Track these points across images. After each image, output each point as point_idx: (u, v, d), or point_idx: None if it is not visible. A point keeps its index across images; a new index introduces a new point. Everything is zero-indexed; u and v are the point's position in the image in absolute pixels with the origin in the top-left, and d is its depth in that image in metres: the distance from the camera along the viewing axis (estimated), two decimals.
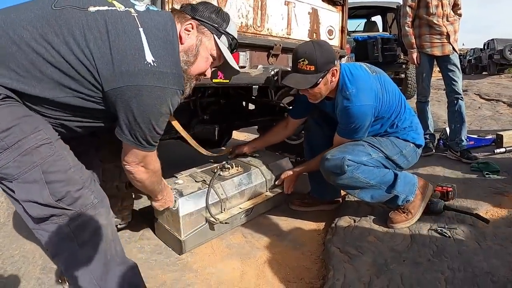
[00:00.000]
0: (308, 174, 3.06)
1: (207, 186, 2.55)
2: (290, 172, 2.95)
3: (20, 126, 1.33)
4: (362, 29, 9.53)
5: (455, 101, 3.96)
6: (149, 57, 1.43)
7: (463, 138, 4.02)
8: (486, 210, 2.76)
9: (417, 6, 3.98)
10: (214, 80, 2.22)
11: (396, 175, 2.55)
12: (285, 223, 2.88)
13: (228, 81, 2.30)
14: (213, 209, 2.52)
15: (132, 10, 1.52)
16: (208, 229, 2.53)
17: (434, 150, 4.27)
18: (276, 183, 3.02)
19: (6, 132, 1.31)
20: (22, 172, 1.34)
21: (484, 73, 25.62)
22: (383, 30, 8.98)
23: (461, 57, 33.00)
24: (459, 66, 3.98)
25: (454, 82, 3.95)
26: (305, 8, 2.91)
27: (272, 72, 2.70)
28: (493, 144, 4.42)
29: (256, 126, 4.28)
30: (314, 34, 3.00)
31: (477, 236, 2.38)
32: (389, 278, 2.02)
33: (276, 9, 2.71)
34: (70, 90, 1.41)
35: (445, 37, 3.92)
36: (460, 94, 3.97)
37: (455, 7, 4.03)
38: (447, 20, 3.93)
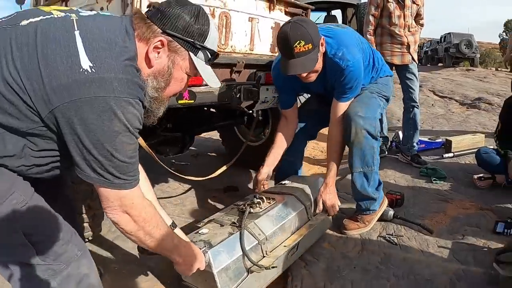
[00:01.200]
0: None
1: (239, 228, 2.14)
2: (327, 190, 2.67)
3: None
4: (322, 23, 9.79)
5: (411, 109, 4.27)
6: (85, 63, 1.21)
7: (414, 144, 4.34)
8: (432, 217, 3.06)
9: (380, 15, 4.20)
10: (179, 102, 2.34)
11: (380, 183, 2.81)
12: None
13: (193, 101, 2.44)
14: (253, 255, 2.08)
15: (73, 15, 1.32)
16: (254, 280, 2.08)
17: (386, 153, 4.57)
18: (318, 211, 2.68)
19: None
20: (2, 237, 1.27)
21: (440, 64, 26.66)
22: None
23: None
24: (417, 75, 4.28)
25: (411, 91, 4.25)
26: (268, 23, 3.07)
27: (235, 90, 2.83)
28: (443, 147, 4.76)
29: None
30: (276, 48, 3.18)
31: (421, 244, 2.67)
32: (341, 284, 2.26)
33: (240, 26, 2.85)
34: (11, 131, 1.23)
35: (405, 47, 4.18)
36: (416, 103, 4.28)
37: (418, 17, 4.30)
38: (409, 31, 4.19)
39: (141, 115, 1.33)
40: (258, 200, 2.39)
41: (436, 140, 4.95)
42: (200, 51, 1.44)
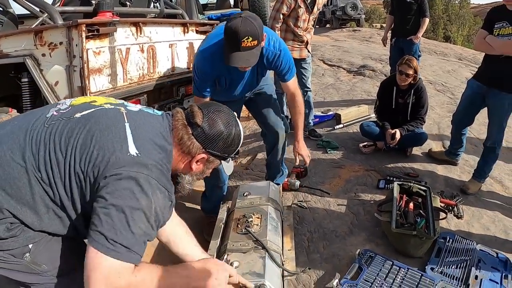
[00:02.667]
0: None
1: (262, 249, 2.40)
2: (300, 145, 3.42)
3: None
4: (214, 3, 10.32)
5: (305, 93, 5.15)
6: (133, 150, 1.45)
7: (310, 121, 5.32)
8: (330, 182, 4.06)
9: (288, 15, 4.80)
10: None
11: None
12: None
13: None
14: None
15: (122, 108, 1.62)
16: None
17: (288, 130, 5.45)
18: (297, 163, 3.51)
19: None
20: None
21: (327, 25, 28.30)
22: (235, 6, 9.86)
23: None
24: (311, 65, 5.17)
25: (305, 78, 5.14)
26: (184, 45, 3.82)
27: (165, 108, 3.59)
28: (334, 118, 5.79)
29: None
30: (192, 63, 3.90)
31: (324, 204, 3.65)
32: None
33: (163, 53, 3.57)
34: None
35: (304, 43, 4.99)
36: (309, 88, 5.21)
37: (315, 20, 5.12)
38: (305, 31, 4.96)
39: (165, 208, 1.51)
40: (249, 219, 2.66)
41: (328, 113, 6.01)
42: (228, 157, 1.81)
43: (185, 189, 1.81)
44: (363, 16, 26.29)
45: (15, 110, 3.22)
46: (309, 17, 4.87)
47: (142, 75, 3.40)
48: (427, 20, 6.41)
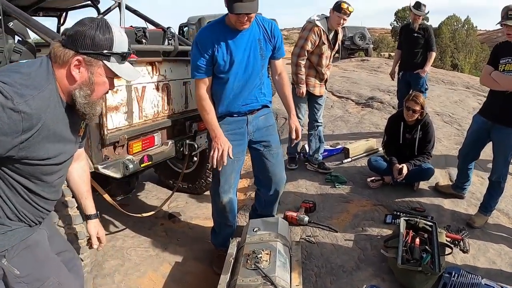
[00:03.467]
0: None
1: (271, 285, 2.55)
2: (294, 118, 3.47)
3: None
4: None
5: (316, 127, 5.35)
6: None
7: (320, 155, 5.45)
8: (338, 216, 4.16)
9: (312, 52, 4.93)
10: (142, 165, 3.26)
11: None
12: None
13: (151, 162, 3.35)
14: None
15: None
16: None
17: (297, 165, 5.58)
18: (294, 137, 3.46)
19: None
20: None
21: (336, 55, 28.50)
22: None
23: None
24: (324, 101, 5.37)
25: (317, 113, 5.31)
26: None
27: (179, 145, 3.69)
28: (343, 152, 5.92)
29: None
30: None
31: (332, 239, 3.75)
32: None
33: (177, 91, 3.73)
34: None
35: (324, 80, 5.17)
36: (321, 123, 5.37)
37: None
38: (326, 67, 5.12)
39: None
40: (259, 255, 2.78)
41: (337, 147, 6.13)
42: (111, 57, 1.73)
43: (85, 107, 1.76)
44: (371, 46, 26.65)
45: None
46: (331, 54, 5.06)
47: (157, 112, 3.55)
48: (434, 54, 6.57)
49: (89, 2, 5.45)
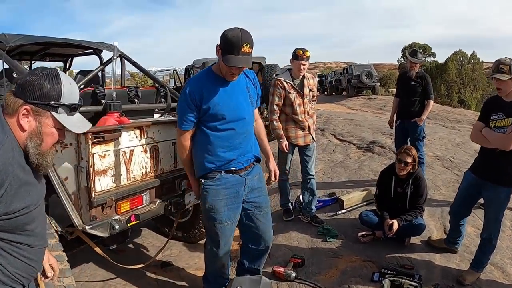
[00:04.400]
0: None
1: None
2: (273, 161, 3.78)
3: None
4: None
5: (308, 180, 5.40)
6: None
7: (313, 207, 5.50)
8: (326, 272, 4.21)
9: (283, 104, 5.07)
10: (129, 224, 3.38)
11: None
12: None
13: (138, 221, 3.47)
14: None
15: None
16: None
17: (293, 216, 5.66)
18: (273, 180, 3.79)
19: None
20: None
21: (344, 93, 28.94)
22: None
23: (323, 78, 36.68)
24: (315, 152, 5.38)
25: (308, 166, 5.35)
26: None
27: (166, 203, 3.80)
28: (338, 202, 5.97)
29: None
30: None
31: None
32: None
33: (166, 152, 3.86)
34: None
35: (307, 129, 5.21)
36: (312, 175, 5.40)
37: (312, 98, 5.32)
38: (308, 114, 5.21)
39: None
40: None
41: (333, 197, 6.20)
42: (59, 108, 1.74)
43: (37, 158, 1.76)
44: (378, 84, 27.02)
45: None
46: (303, 100, 5.12)
47: (145, 173, 3.67)
48: (431, 102, 6.66)
49: (91, 50, 5.69)
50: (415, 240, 4.78)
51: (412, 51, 6.78)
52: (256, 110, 3.58)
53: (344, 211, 5.73)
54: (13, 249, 1.74)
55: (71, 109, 1.79)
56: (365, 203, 5.90)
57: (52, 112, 1.73)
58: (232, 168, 3.30)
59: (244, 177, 3.36)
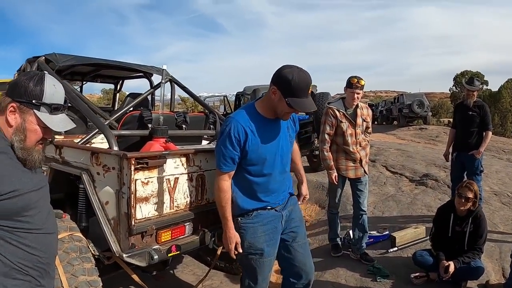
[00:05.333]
0: None
1: None
2: (306, 187, 3.61)
3: None
4: None
5: (360, 216, 5.16)
6: None
7: (363, 244, 5.23)
8: None
9: (334, 133, 4.91)
10: (169, 255, 3.25)
11: None
12: None
13: (179, 252, 3.32)
14: None
15: None
16: None
17: (342, 252, 5.40)
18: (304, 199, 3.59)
19: None
20: None
21: (394, 122, 28.45)
22: None
23: (373, 107, 36.38)
24: (367, 186, 5.17)
25: (360, 200, 5.13)
26: None
27: (210, 234, 3.61)
28: (389, 239, 5.66)
29: None
30: None
31: None
32: None
33: (212, 181, 3.64)
34: None
35: (358, 161, 5.02)
36: (365, 210, 5.17)
37: (367, 129, 5.18)
38: (360, 146, 5.03)
39: None
40: None
41: (384, 233, 5.88)
42: (41, 107, 1.90)
43: (21, 152, 1.88)
44: (430, 114, 26.39)
45: (68, 216, 3.44)
46: (355, 130, 4.96)
47: (190, 202, 3.54)
48: (490, 133, 6.34)
49: (141, 74, 5.71)
50: (471, 284, 4.44)
51: (470, 78, 6.51)
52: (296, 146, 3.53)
53: (396, 249, 5.41)
54: (11, 237, 1.80)
55: (53, 108, 1.94)
56: (418, 241, 5.54)
57: (35, 111, 1.89)
58: (268, 207, 3.17)
59: (280, 212, 3.22)
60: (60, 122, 1.99)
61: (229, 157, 2.97)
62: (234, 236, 3.08)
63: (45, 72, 2.02)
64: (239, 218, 3.14)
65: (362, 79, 4.83)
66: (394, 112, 27.93)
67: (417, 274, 4.56)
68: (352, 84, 4.81)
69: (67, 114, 4.16)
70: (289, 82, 2.78)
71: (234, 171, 3.06)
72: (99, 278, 3.13)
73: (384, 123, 31.21)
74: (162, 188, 3.27)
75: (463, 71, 41.76)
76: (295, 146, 3.53)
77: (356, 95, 4.84)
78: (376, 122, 33.96)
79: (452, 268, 4.19)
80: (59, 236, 2.37)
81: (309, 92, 2.85)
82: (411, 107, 24.69)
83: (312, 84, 2.95)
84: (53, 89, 1.94)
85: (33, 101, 1.88)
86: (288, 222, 3.31)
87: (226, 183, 3.06)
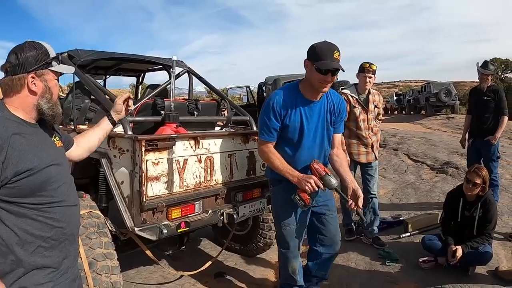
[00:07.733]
0: None
1: None
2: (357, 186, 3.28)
3: None
4: None
5: (370, 199, 5.24)
6: None
7: (375, 228, 5.31)
8: None
9: (347, 119, 4.92)
10: (178, 230, 3.45)
11: None
12: None
13: (188, 228, 3.51)
14: None
15: None
16: None
17: (355, 236, 5.52)
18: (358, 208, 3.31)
19: None
20: None
21: (422, 112, 28.08)
22: None
23: (401, 96, 35.86)
24: (377, 171, 5.26)
25: (370, 185, 5.23)
26: (244, 154, 4.17)
27: (219, 213, 3.83)
28: (402, 224, 5.73)
29: None
30: (251, 171, 4.24)
31: None
32: None
33: (221, 163, 3.93)
34: None
35: (370, 146, 5.11)
36: (375, 194, 5.27)
37: (378, 116, 5.26)
38: (372, 131, 5.12)
39: None
40: None
41: (397, 219, 5.96)
42: (52, 62, 2.06)
43: (52, 109, 2.05)
44: (458, 102, 25.89)
45: (89, 196, 3.68)
46: (368, 116, 5.06)
47: (199, 182, 3.74)
48: (506, 118, 6.27)
49: (161, 66, 5.89)
50: (480, 269, 4.45)
51: (484, 62, 6.44)
52: (339, 136, 3.56)
53: (408, 234, 5.48)
54: (37, 214, 1.92)
55: (57, 59, 2.12)
56: (432, 228, 5.60)
57: (49, 68, 2.05)
58: None
59: None
60: (65, 68, 2.22)
61: (272, 127, 3.20)
62: (309, 176, 3.16)
63: (27, 40, 2.16)
64: (271, 186, 3.48)
65: (374, 64, 4.92)
66: (421, 102, 27.59)
67: (425, 258, 4.63)
68: (364, 68, 4.92)
69: (90, 105, 4.46)
70: (314, 49, 3.06)
71: (274, 143, 3.29)
72: (115, 252, 3.39)
73: (411, 112, 30.83)
74: (172, 169, 3.49)
75: (492, 59, 40.83)
76: (342, 153, 3.60)
77: (368, 79, 4.94)
78: (403, 112, 33.62)
79: (459, 253, 4.22)
80: None
81: (337, 58, 3.00)
82: (438, 96, 24.35)
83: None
84: (48, 46, 2.09)
85: (44, 62, 2.03)
86: (321, 195, 3.46)
87: (271, 149, 3.26)
